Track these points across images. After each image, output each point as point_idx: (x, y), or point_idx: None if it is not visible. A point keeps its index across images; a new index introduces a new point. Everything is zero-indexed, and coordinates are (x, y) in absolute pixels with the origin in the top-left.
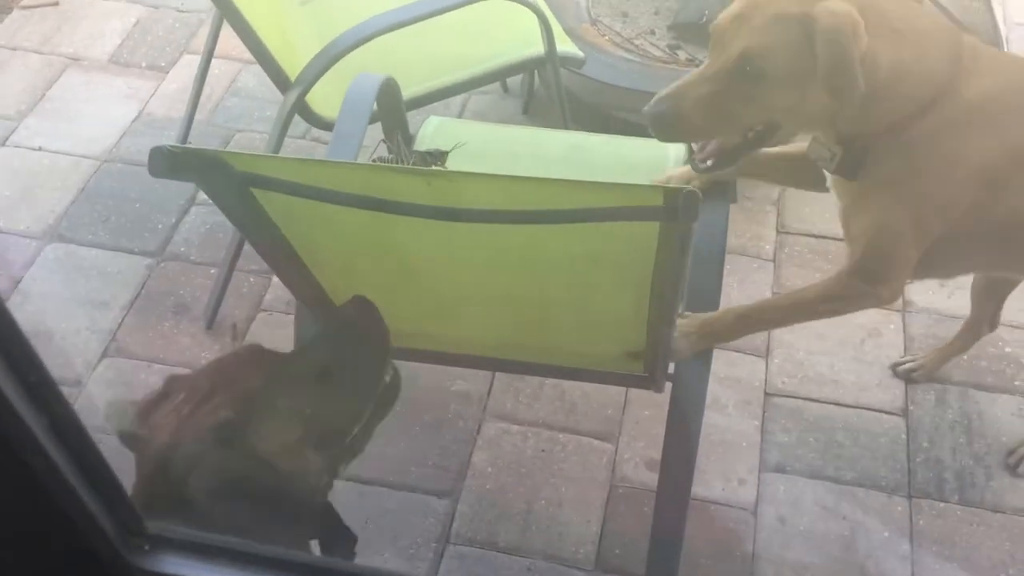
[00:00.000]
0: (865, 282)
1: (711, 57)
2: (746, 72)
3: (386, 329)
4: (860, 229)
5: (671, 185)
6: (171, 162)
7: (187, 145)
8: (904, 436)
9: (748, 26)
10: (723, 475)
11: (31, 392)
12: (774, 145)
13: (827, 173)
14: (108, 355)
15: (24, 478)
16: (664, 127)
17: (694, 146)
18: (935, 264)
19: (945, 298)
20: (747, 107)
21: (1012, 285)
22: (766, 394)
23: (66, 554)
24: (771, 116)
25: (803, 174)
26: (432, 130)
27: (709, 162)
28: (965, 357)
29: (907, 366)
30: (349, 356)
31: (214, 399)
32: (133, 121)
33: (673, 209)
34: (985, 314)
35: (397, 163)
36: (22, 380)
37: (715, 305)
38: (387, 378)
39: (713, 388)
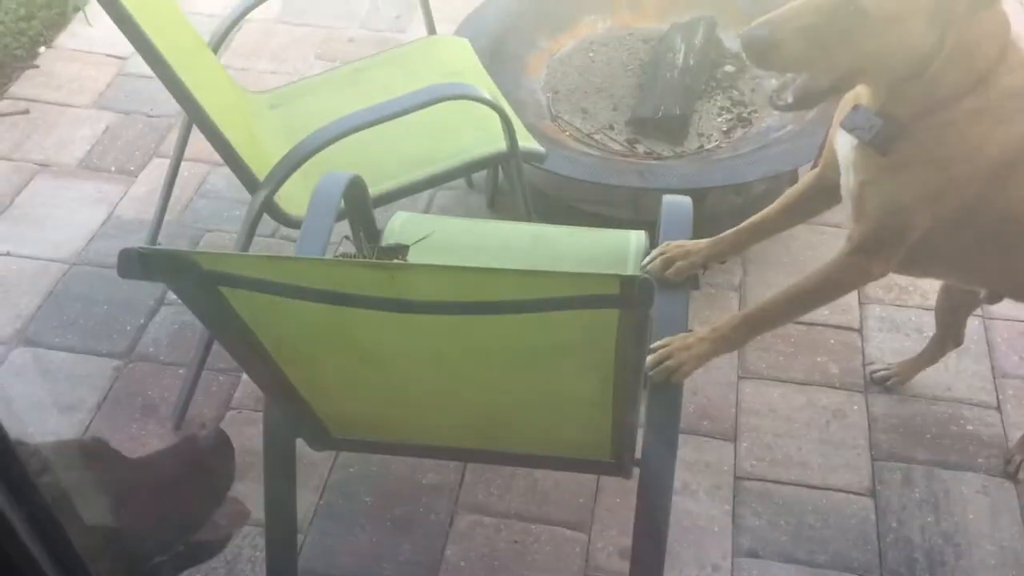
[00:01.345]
0: (865, 258)
1: None
2: (850, 8)
3: (230, 474)
4: (876, 204)
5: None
6: (140, 264)
7: (156, 246)
8: (873, 516)
9: None
10: (697, 561)
11: (11, 486)
12: (849, 90)
13: (849, 149)
14: None
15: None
16: (759, 51)
17: (775, 81)
18: (917, 260)
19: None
20: (843, 45)
21: (973, 305)
22: (736, 478)
23: None
24: (862, 59)
25: (809, 206)
26: (399, 226)
27: (790, 99)
28: (928, 436)
29: (881, 373)
30: (182, 484)
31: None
32: (102, 224)
33: (629, 297)
34: (950, 332)
35: (360, 258)
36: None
37: (679, 391)
38: (214, 536)
39: (683, 474)
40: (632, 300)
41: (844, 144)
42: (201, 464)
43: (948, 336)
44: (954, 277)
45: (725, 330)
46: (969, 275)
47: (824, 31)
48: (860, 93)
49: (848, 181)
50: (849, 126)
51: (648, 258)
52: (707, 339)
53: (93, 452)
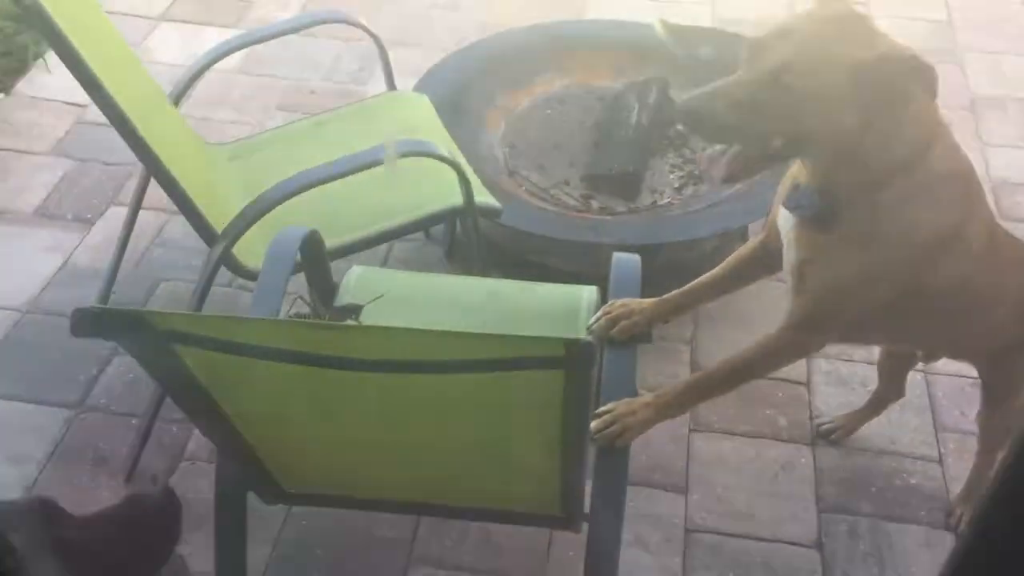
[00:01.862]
0: (803, 333)
1: (746, 67)
2: (781, 83)
3: (177, 534)
4: (815, 283)
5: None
6: (94, 323)
7: (109, 298)
8: (820, 569)
9: (792, 42)
10: None
11: None
12: (782, 164)
13: (789, 227)
14: None
15: None
16: (695, 121)
17: (706, 153)
18: (853, 331)
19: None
20: (771, 118)
21: (914, 361)
22: (686, 530)
23: None
24: (790, 133)
25: (753, 271)
26: (355, 280)
27: (723, 171)
28: (873, 489)
29: (827, 426)
30: (128, 544)
31: None
32: (56, 272)
33: (573, 359)
34: (892, 386)
35: (313, 318)
36: None
37: (625, 449)
38: None
39: (634, 526)
40: (575, 362)
41: (786, 220)
42: (147, 524)
43: (890, 390)
44: (890, 343)
45: (669, 397)
46: (905, 342)
47: (754, 104)
48: (799, 172)
49: (789, 257)
50: (791, 205)
51: (594, 318)
52: (651, 405)
53: (38, 511)
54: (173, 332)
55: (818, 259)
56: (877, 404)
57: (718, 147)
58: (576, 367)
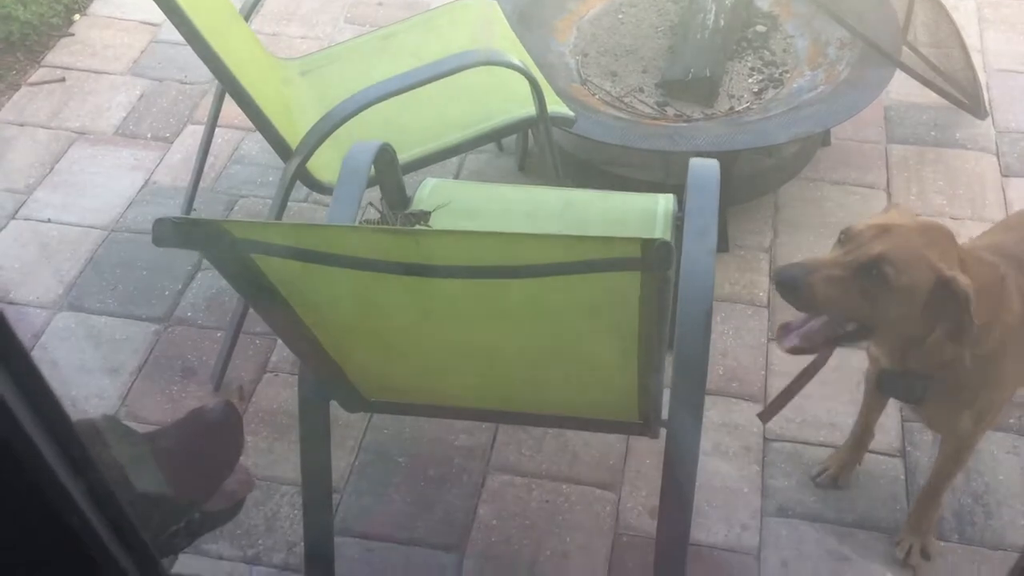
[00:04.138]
0: (967, 445)
1: (844, 249)
2: (874, 272)
3: (239, 446)
4: (944, 426)
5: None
6: (175, 233)
7: (190, 215)
8: (903, 477)
9: (891, 239)
10: (726, 521)
11: (72, 463)
12: (845, 345)
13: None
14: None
15: (60, 531)
16: (789, 290)
17: (781, 323)
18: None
19: None
20: (861, 302)
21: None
22: (765, 439)
23: None
24: (875, 317)
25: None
26: (428, 192)
27: (796, 341)
28: None
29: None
30: (192, 456)
31: None
32: (139, 191)
33: (649, 260)
34: (870, 431)
35: (382, 223)
36: (64, 453)
37: (704, 353)
38: (226, 504)
39: (713, 435)
40: (652, 262)
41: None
42: (209, 436)
43: (869, 434)
44: None
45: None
46: None
47: (849, 285)
48: (878, 357)
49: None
50: (885, 391)
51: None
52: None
53: (104, 429)
54: (250, 241)
55: (932, 423)
56: (857, 447)
57: (798, 318)
58: (653, 267)
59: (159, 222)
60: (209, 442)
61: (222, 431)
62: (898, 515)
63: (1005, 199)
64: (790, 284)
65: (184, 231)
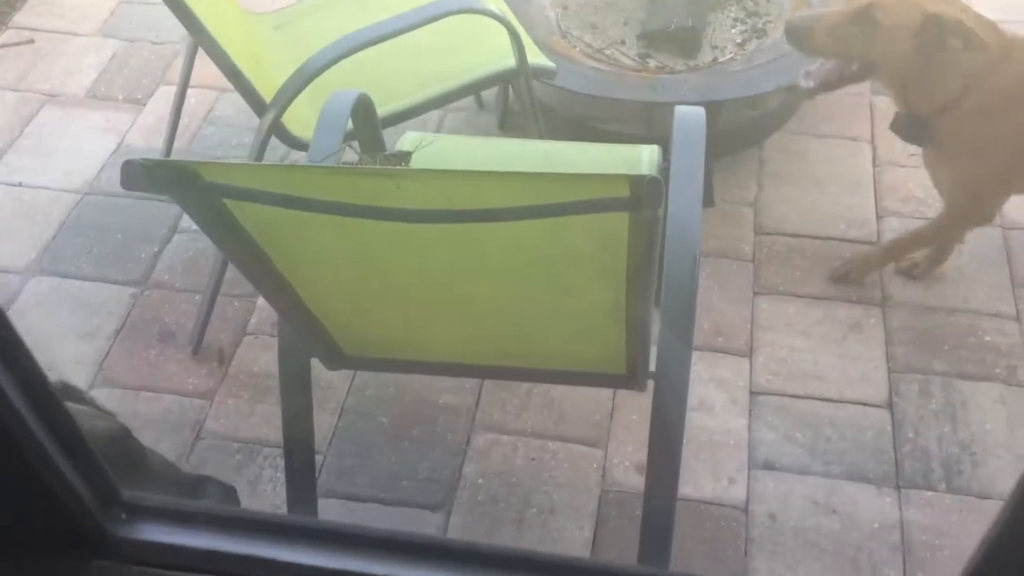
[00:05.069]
0: (959, 220)
1: (847, 3)
2: (868, 16)
3: None
4: (940, 184)
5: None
6: (144, 175)
7: (158, 158)
8: (890, 428)
9: None
10: (713, 475)
11: (16, 374)
12: (857, 83)
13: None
14: (96, 385)
15: (8, 454)
16: (797, 36)
17: (804, 68)
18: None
19: (923, 290)
20: (859, 43)
21: None
22: (751, 393)
23: (47, 524)
24: (873, 55)
25: None
26: (408, 144)
27: (812, 83)
28: (946, 347)
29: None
30: None
31: None
32: (112, 153)
33: (639, 198)
34: None
35: (362, 165)
36: (7, 363)
37: (691, 302)
38: None
39: (699, 389)
40: (642, 201)
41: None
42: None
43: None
44: None
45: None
46: None
47: (846, 29)
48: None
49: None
50: (893, 129)
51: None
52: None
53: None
54: (222, 185)
55: (933, 166)
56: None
57: (814, 64)
58: (643, 205)
59: (127, 164)
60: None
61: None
62: (885, 467)
63: None
64: (797, 34)
65: (152, 173)
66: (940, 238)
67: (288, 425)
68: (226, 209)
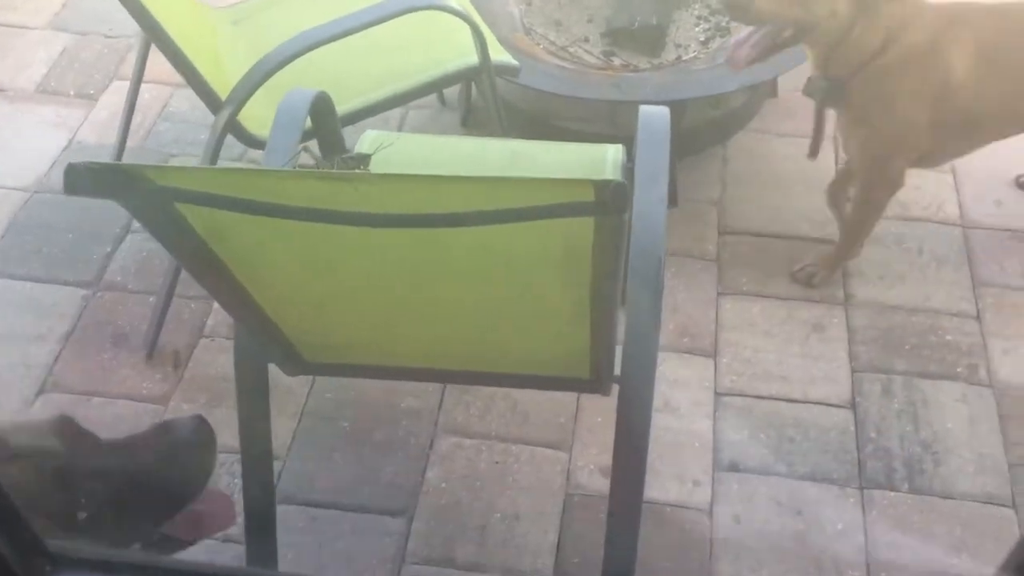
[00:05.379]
0: (875, 189)
1: None
2: None
3: (209, 466)
4: (852, 147)
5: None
6: (90, 179)
7: (105, 161)
8: (853, 428)
9: None
10: (678, 477)
11: None
12: (791, 46)
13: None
14: (45, 390)
15: None
16: (739, 6)
17: (733, 39)
18: (934, 155)
19: (885, 290)
20: (796, 5)
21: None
22: (716, 393)
23: None
24: (808, 20)
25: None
26: (368, 144)
27: (750, 51)
28: (908, 347)
29: (807, 270)
30: (157, 472)
31: None
32: (63, 150)
33: (604, 202)
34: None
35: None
36: None
37: (656, 303)
38: (189, 535)
39: (664, 390)
40: (607, 206)
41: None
42: (173, 454)
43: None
44: (968, 151)
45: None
46: (989, 139)
47: None
48: (809, 65)
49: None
50: (807, 92)
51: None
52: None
53: (61, 432)
54: (171, 188)
55: (845, 131)
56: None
57: (739, 36)
58: (608, 210)
59: (71, 168)
60: (173, 460)
61: (190, 450)
62: (849, 467)
63: None
64: (738, 3)
65: (100, 178)
66: (863, 214)
67: (245, 432)
68: (178, 214)
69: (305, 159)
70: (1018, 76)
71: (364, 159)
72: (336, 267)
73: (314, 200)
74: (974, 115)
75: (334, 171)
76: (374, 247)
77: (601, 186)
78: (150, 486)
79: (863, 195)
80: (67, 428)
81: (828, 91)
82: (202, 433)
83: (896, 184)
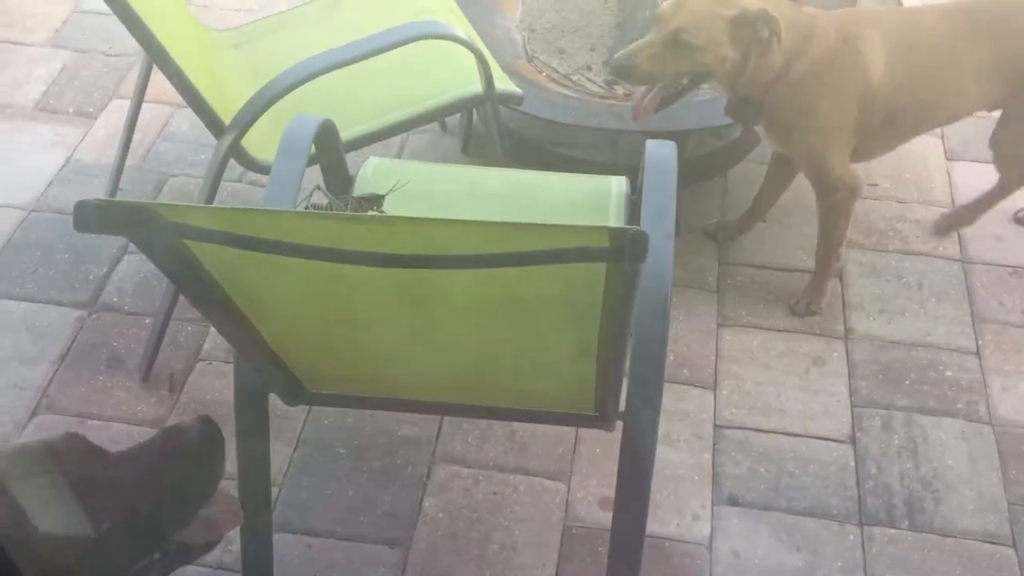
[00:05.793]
0: (829, 193)
1: (656, 30)
2: (678, 40)
3: (220, 468)
4: (796, 154)
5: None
6: (98, 217)
7: (116, 195)
8: (853, 464)
9: (684, 10)
10: (677, 510)
11: None
12: (692, 92)
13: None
14: (39, 412)
15: None
16: (624, 72)
17: (636, 95)
18: (862, 152)
19: (885, 324)
20: (680, 63)
21: (786, 186)
22: (716, 426)
23: None
24: (695, 70)
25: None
26: (372, 172)
27: (654, 105)
28: (908, 382)
29: (711, 225)
30: (168, 480)
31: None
32: (61, 168)
33: (620, 250)
34: (1013, 173)
35: (332, 209)
36: None
37: (662, 342)
38: (204, 538)
39: (662, 423)
40: (623, 253)
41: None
42: (185, 458)
43: (1012, 177)
44: (902, 140)
45: (816, 292)
46: (921, 129)
47: (664, 56)
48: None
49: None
50: (727, 113)
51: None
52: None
53: (69, 450)
54: (183, 226)
55: (776, 146)
56: (749, 215)
57: (642, 90)
58: (622, 259)
59: (80, 205)
60: (184, 465)
61: (200, 453)
62: (849, 503)
63: (950, 181)
64: (623, 70)
65: (109, 215)
66: (828, 223)
67: (243, 459)
68: (187, 249)
69: (318, 197)
70: (929, 70)
71: (378, 199)
72: (342, 302)
73: (325, 239)
74: (897, 110)
75: (348, 213)
76: (381, 284)
77: (617, 234)
78: (163, 493)
79: (822, 202)
80: (77, 444)
81: (746, 111)
82: (210, 433)
83: (848, 183)
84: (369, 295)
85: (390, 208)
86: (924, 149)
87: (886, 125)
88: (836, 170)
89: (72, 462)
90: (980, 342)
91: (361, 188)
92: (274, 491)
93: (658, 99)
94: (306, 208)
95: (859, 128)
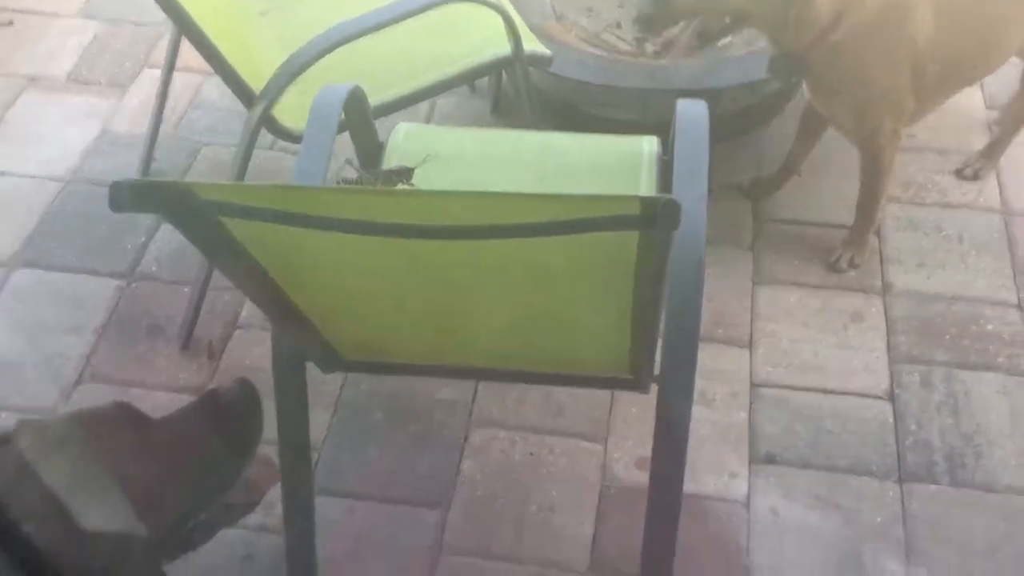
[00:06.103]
0: (871, 151)
1: None
2: None
3: (258, 429)
4: (836, 121)
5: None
6: (133, 197)
7: (151, 166)
8: (892, 420)
9: None
10: (714, 469)
11: None
12: (735, 33)
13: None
14: (83, 381)
15: None
16: (659, 5)
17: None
18: (916, 114)
19: (924, 278)
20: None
21: (819, 136)
22: (752, 385)
23: None
24: (734, 9)
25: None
26: (402, 138)
27: (695, 42)
28: (948, 337)
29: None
30: (212, 441)
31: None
32: (95, 139)
33: (651, 218)
34: (803, 152)
35: (362, 183)
36: None
37: (697, 304)
38: (246, 498)
39: (698, 382)
40: (654, 221)
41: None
42: (225, 421)
43: (795, 163)
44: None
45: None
46: (958, 88)
47: None
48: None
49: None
50: (769, 73)
51: None
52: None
53: (116, 418)
54: (218, 203)
55: (827, 103)
56: (785, 172)
57: (680, 25)
58: (654, 227)
59: (115, 186)
60: (226, 425)
61: (240, 412)
62: (887, 460)
63: (990, 131)
64: (663, 2)
65: (144, 195)
66: (874, 181)
67: (283, 427)
68: (222, 226)
69: (348, 172)
70: (975, 26)
71: (407, 173)
72: (376, 274)
73: (359, 212)
74: (947, 67)
75: (380, 187)
76: (415, 255)
77: (649, 203)
78: (208, 453)
79: (867, 163)
80: (125, 412)
81: (789, 68)
82: (249, 393)
83: (894, 144)
84: (401, 265)
85: (422, 176)
86: (962, 97)
87: (938, 84)
88: (886, 135)
89: (120, 429)
90: (1021, 295)
91: (392, 155)
92: (314, 456)
93: (715, 29)
94: (337, 184)
95: (916, 90)
